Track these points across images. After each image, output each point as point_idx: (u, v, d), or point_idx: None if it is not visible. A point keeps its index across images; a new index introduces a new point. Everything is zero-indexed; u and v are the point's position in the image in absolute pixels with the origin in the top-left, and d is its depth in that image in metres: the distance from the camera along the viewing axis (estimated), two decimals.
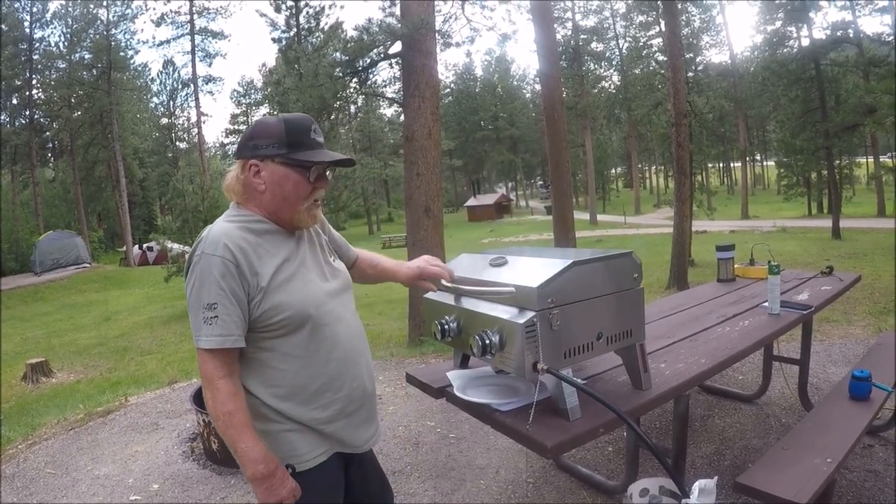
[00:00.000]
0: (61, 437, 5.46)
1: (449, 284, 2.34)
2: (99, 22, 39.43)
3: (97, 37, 39.12)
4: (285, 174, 1.83)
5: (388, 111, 60.38)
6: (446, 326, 2.26)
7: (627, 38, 49.48)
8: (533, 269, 2.06)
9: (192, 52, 45.41)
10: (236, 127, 63.72)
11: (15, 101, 37.89)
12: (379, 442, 2.20)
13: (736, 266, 4.85)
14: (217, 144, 70.43)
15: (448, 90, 73.55)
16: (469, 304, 2.22)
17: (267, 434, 1.81)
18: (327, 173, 1.96)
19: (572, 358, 2.03)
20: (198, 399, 4.75)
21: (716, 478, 1.88)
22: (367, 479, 2.18)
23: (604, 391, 2.31)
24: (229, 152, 64.87)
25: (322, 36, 42.47)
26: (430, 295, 2.45)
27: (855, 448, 2.83)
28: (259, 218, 1.87)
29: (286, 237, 1.90)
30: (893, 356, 3.85)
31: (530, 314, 1.90)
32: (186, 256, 1.84)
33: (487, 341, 2.00)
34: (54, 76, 39.51)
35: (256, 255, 1.78)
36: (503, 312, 2.00)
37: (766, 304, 3.57)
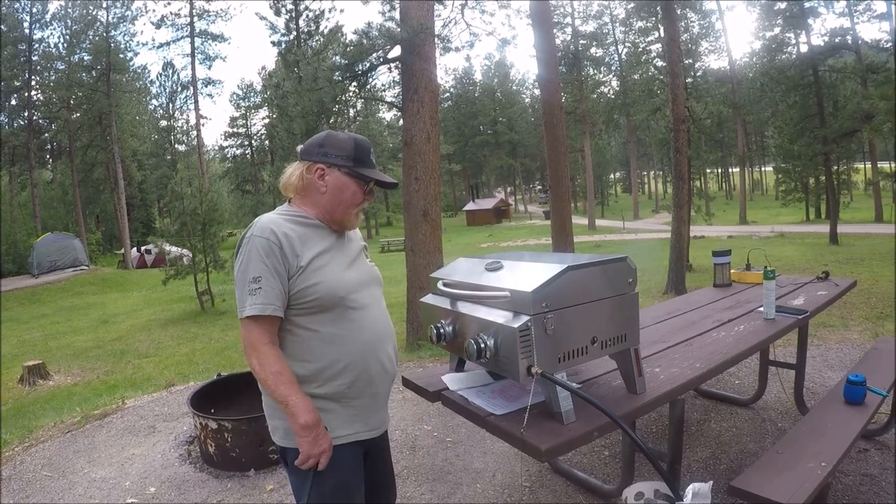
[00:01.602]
0: (58, 439, 5.45)
1: (445, 288, 2.35)
2: (98, 23, 39.45)
3: (97, 38, 39.13)
4: (346, 183, 2.13)
5: (388, 115, 60.61)
6: (442, 330, 2.27)
7: (627, 44, 49.53)
8: (528, 273, 2.07)
9: (192, 55, 45.46)
10: (235, 130, 63.66)
11: (14, 102, 37.88)
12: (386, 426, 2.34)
13: (732, 271, 4.86)
14: (216, 147, 70.47)
15: (447, 94, 73.60)
16: (465, 307, 2.23)
17: None
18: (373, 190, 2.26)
19: (567, 362, 2.04)
20: (195, 402, 4.75)
21: (710, 482, 1.89)
22: (374, 473, 2.30)
23: (599, 395, 2.32)
24: (228, 155, 64.89)
25: (322, 40, 42.62)
26: (426, 299, 2.47)
27: (850, 452, 2.84)
28: (306, 215, 2.15)
29: (329, 232, 2.17)
30: (888, 361, 3.86)
31: (525, 318, 1.91)
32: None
33: (482, 345, 2.01)
34: (53, 77, 39.46)
35: (300, 241, 2.05)
36: (498, 316, 2.02)
37: (762, 309, 3.58)
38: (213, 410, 4.81)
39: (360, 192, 2.16)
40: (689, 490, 1.84)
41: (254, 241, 1.99)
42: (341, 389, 2.07)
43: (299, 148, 2.20)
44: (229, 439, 4.29)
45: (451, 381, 2.50)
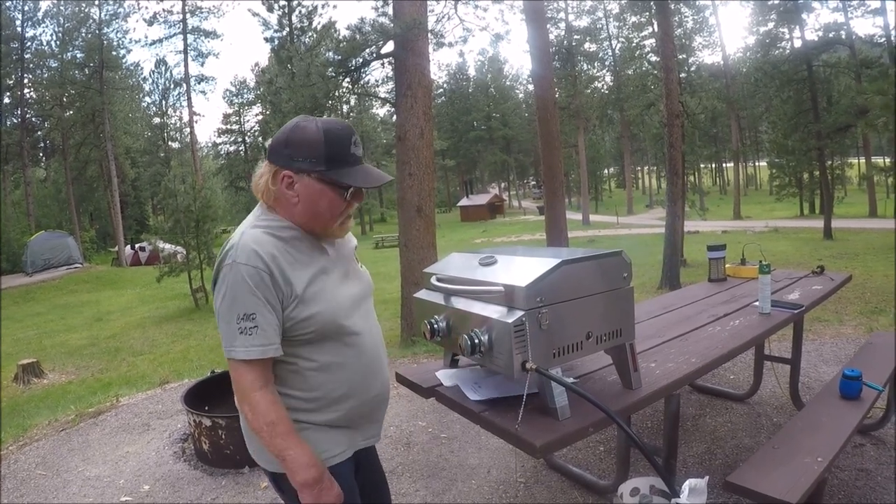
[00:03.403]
0: (52, 438, 5.43)
1: (439, 284, 2.33)
2: (91, 21, 39.36)
3: (89, 36, 39.05)
4: (321, 191, 1.76)
5: (381, 111, 60.49)
6: (436, 326, 2.25)
7: (620, 39, 49.56)
8: (522, 268, 2.05)
9: (185, 52, 45.27)
10: (228, 126, 63.63)
11: (6, 101, 37.73)
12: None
13: (727, 266, 4.85)
14: (209, 144, 70.49)
15: (441, 90, 73.58)
16: (458, 303, 2.21)
17: None
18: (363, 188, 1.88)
19: (561, 357, 2.03)
20: (189, 400, 4.73)
21: (706, 477, 1.88)
22: (367, 481, 2.19)
23: (593, 391, 2.31)
24: (222, 152, 64.84)
25: (314, 35, 42.62)
26: (419, 294, 2.45)
27: (846, 447, 2.83)
28: (288, 224, 1.81)
29: (315, 244, 1.86)
30: (883, 355, 3.86)
31: (519, 313, 1.89)
32: (214, 262, 1.77)
33: (476, 340, 1.99)
34: (46, 75, 39.40)
35: (288, 264, 1.73)
36: (492, 312, 2.00)
37: (757, 303, 3.57)
38: (207, 408, 4.79)
39: (340, 200, 1.80)
40: (686, 486, 1.83)
41: (238, 269, 1.67)
42: (336, 416, 1.86)
43: (268, 143, 1.85)
44: (223, 436, 4.28)
45: (445, 376, 2.49)
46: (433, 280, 2.38)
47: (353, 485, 1.97)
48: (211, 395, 5.04)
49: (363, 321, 1.93)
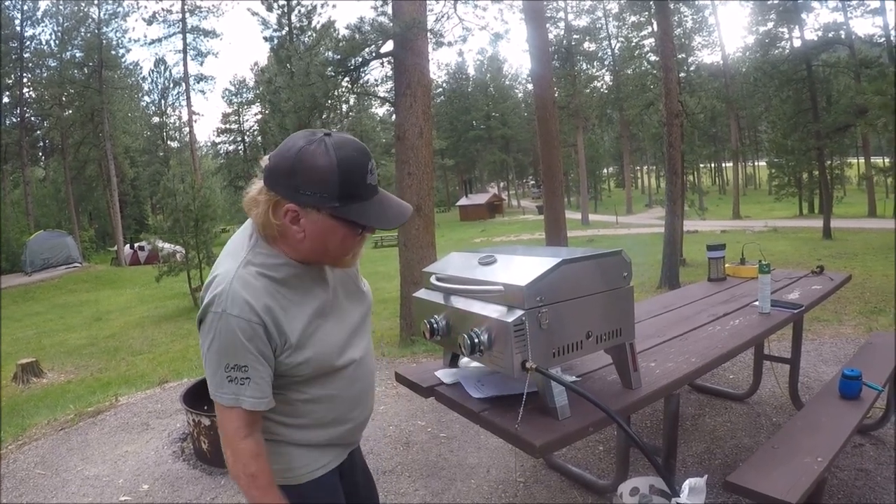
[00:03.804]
0: (51, 437, 5.42)
1: (438, 283, 2.32)
2: (90, 20, 39.40)
3: (88, 35, 39.08)
4: (332, 227, 1.58)
5: (380, 110, 60.40)
6: (435, 325, 2.24)
7: (620, 39, 49.57)
8: (522, 267, 2.05)
9: (184, 51, 45.27)
10: (228, 126, 63.62)
11: (6, 100, 37.73)
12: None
13: (727, 265, 4.85)
14: (208, 143, 70.51)
15: (440, 90, 73.46)
16: (458, 302, 2.20)
17: (269, 448, 1.70)
18: None
19: (561, 357, 2.02)
20: (188, 399, 4.73)
21: (706, 476, 1.88)
22: (355, 482, 2.13)
23: (593, 390, 2.31)
24: (221, 151, 64.81)
25: (314, 35, 42.58)
26: (419, 294, 2.44)
27: (845, 447, 2.83)
28: (284, 261, 1.63)
29: (312, 280, 1.71)
30: (882, 355, 3.86)
31: (519, 313, 1.89)
32: (201, 302, 1.62)
33: (476, 340, 1.99)
34: (45, 75, 39.43)
35: (283, 311, 1.60)
36: (492, 311, 1.99)
37: (757, 303, 3.57)
38: (206, 407, 4.78)
39: (353, 235, 1.63)
40: (686, 485, 1.83)
41: (229, 321, 1.53)
42: (320, 439, 1.80)
43: (264, 162, 1.58)
44: None
45: (445, 376, 2.48)
46: (432, 279, 2.37)
47: (338, 491, 1.92)
48: None
49: (358, 348, 1.84)
